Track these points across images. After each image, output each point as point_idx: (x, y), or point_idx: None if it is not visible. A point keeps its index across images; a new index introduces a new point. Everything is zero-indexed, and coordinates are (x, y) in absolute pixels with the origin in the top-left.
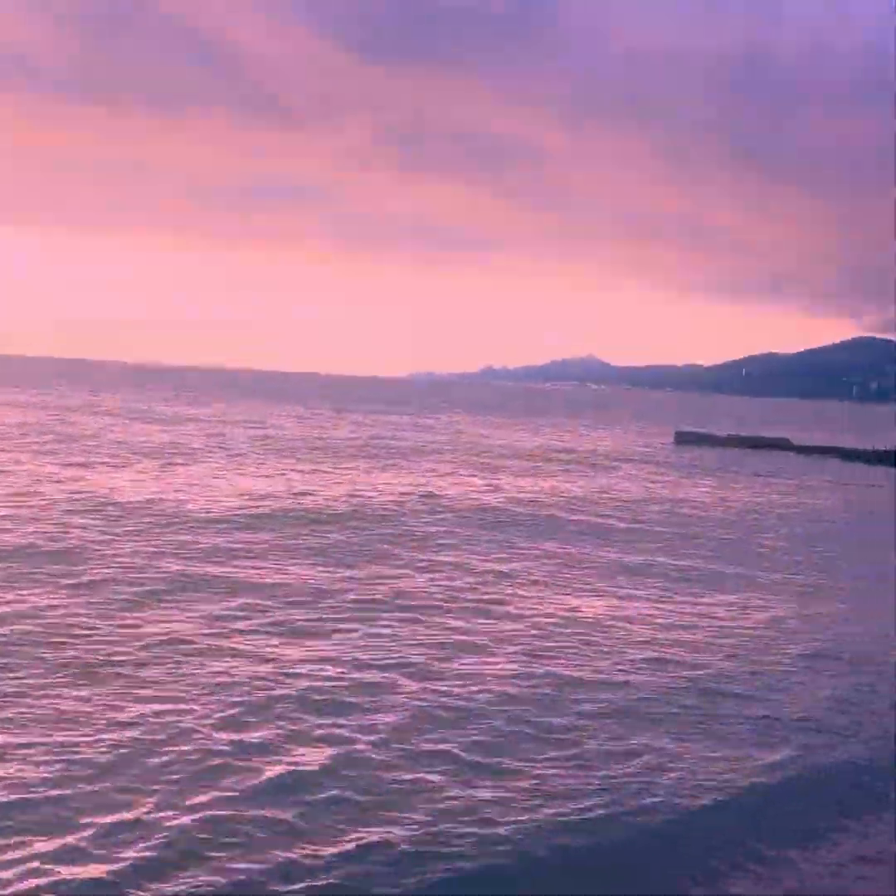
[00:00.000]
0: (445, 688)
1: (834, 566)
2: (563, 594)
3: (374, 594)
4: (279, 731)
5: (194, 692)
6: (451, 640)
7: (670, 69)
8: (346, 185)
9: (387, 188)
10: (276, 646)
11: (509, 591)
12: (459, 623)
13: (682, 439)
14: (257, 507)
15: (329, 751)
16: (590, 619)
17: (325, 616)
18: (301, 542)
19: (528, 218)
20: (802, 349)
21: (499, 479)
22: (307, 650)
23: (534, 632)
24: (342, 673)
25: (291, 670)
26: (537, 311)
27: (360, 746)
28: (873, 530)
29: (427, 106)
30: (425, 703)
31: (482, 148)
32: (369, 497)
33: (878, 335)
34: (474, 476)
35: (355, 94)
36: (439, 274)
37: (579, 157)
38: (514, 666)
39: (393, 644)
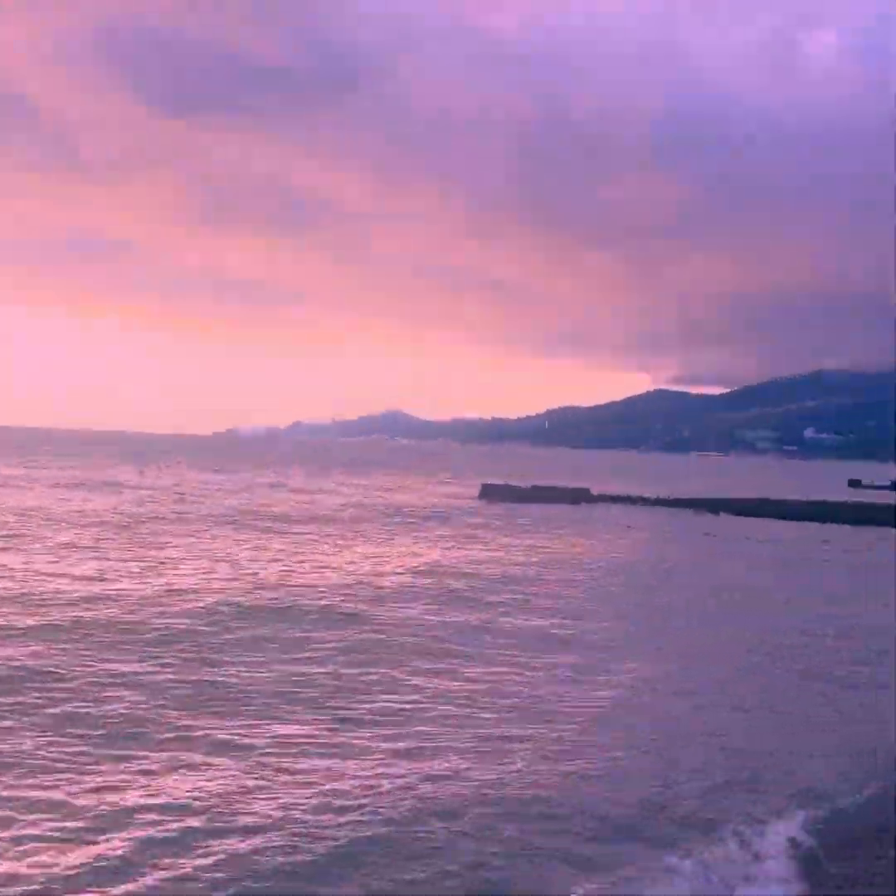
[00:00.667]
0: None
1: (665, 615)
2: (414, 672)
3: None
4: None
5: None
6: (301, 735)
7: (471, 130)
8: (146, 239)
9: (189, 242)
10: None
11: (328, 669)
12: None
13: (488, 492)
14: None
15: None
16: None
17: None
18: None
19: (331, 272)
20: (601, 402)
21: (316, 544)
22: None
23: (388, 709)
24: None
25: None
26: (344, 365)
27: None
28: (701, 575)
29: (229, 160)
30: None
31: (284, 203)
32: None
33: (671, 387)
34: (284, 544)
35: (155, 148)
36: (244, 329)
37: (382, 214)
38: (377, 766)
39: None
